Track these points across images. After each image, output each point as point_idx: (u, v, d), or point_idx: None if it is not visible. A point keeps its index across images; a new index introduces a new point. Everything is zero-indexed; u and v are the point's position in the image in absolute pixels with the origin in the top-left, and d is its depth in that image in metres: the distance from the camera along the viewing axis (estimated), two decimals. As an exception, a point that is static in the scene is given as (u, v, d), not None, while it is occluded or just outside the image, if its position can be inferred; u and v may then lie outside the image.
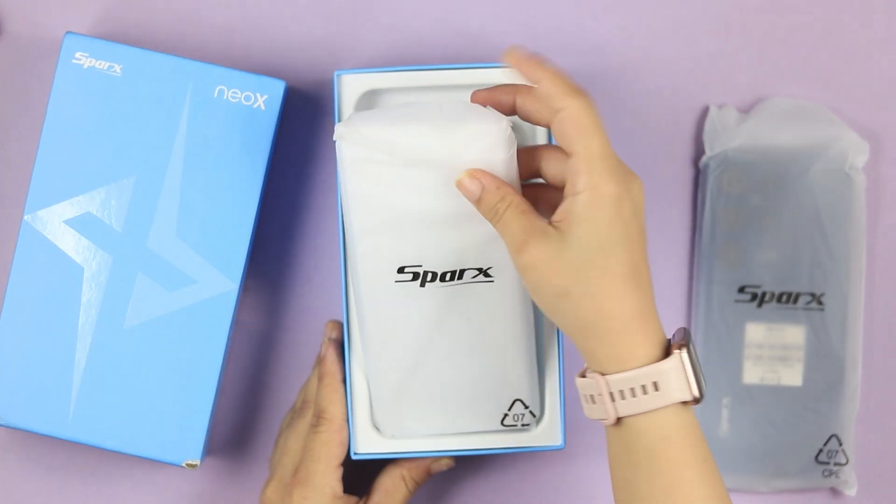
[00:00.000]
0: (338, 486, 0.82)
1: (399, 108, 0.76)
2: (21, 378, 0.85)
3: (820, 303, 0.92)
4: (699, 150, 0.94)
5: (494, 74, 0.88)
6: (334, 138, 0.75)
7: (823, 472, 0.92)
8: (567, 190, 0.71)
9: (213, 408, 0.86)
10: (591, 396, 0.72)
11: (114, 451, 0.86)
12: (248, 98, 0.87)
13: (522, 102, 0.74)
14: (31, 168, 0.87)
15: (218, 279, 0.86)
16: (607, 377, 0.71)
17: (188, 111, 0.86)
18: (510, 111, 0.76)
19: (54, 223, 0.86)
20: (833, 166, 0.92)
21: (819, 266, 0.92)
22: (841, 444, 0.92)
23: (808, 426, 0.92)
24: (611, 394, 0.71)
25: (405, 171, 0.74)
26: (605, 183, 0.70)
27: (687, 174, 0.94)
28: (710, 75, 0.94)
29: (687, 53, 0.94)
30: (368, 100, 0.89)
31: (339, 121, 0.87)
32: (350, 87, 0.87)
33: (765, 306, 0.92)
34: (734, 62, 0.94)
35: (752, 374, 0.92)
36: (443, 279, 0.76)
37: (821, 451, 0.92)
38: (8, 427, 0.85)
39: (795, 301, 0.92)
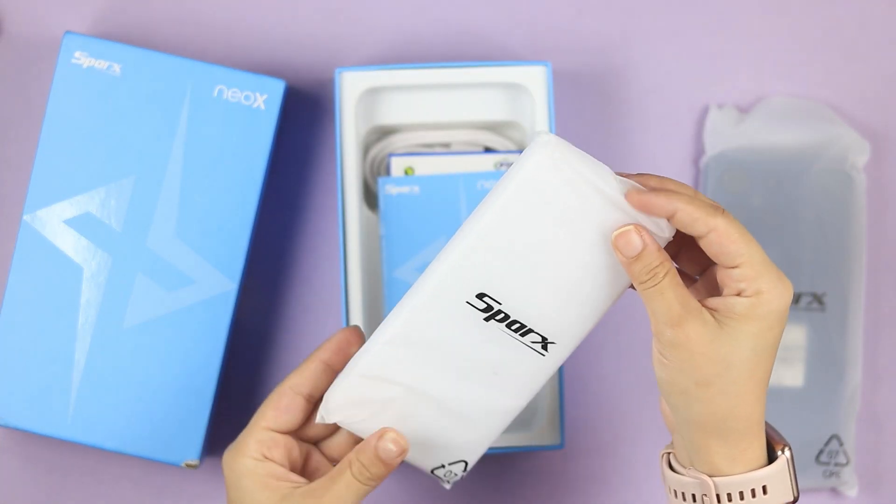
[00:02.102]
0: (255, 450, 0.75)
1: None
2: (20, 378, 0.85)
3: (821, 303, 0.92)
4: (699, 150, 0.94)
5: (495, 73, 0.89)
6: (538, 141, 0.69)
7: (824, 472, 0.92)
8: (728, 290, 0.69)
9: (212, 408, 0.86)
10: (692, 496, 0.70)
11: (113, 452, 0.86)
12: (247, 98, 0.87)
13: (681, 216, 0.70)
14: (30, 167, 0.87)
15: (217, 279, 0.86)
16: (716, 479, 0.69)
17: (188, 111, 0.86)
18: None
19: (53, 223, 0.86)
20: (833, 166, 0.92)
21: (820, 266, 0.92)
22: (841, 445, 0.92)
23: (809, 426, 0.92)
24: (717, 496, 0.69)
25: (572, 206, 0.70)
26: (771, 292, 0.68)
27: (687, 174, 0.94)
28: (710, 75, 0.94)
29: (687, 53, 0.94)
30: (369, 98, 0.89)
31: (340, 118, 0.87)
32: (351, 84, 0.88)
33: (765, 306, 0.92)
34: (734, 62, 0.94)
35: (753, 374, 0.92)
36: (509, 326, 0.72)
37: (821, 451, 0.92)
38: (7, 427, 0.85)
39: (797, 301, 0.92)
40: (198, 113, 0.86)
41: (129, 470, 0.91)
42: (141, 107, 0.86)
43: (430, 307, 0.72)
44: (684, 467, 0.71)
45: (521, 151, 0.90)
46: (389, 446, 0.73)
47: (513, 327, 0.72)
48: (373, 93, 0.89)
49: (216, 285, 0.86)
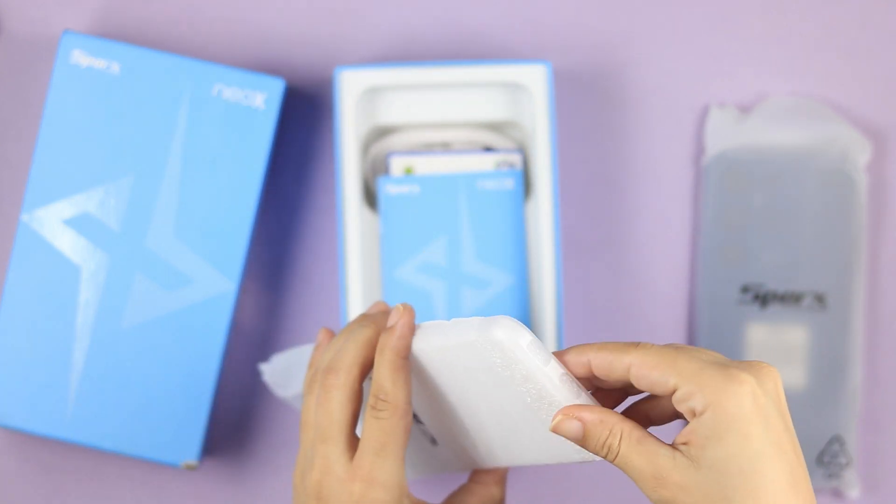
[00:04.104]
0: (405, 483, 0.71)
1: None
2: (18, 379, 0.85)
3: (822, 303, 0.92)
4: (699, 150, 0.94)
5: (495, 72, 0.88)
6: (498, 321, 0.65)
7: (825, 473, 0.92)
8: (685, 413, 0.63)
9: (211, 408, 0.86)
10: None
11: (111, 452, 0.86)
12: (246, 97, 0.86)
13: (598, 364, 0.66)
14: (28, 167, 0.87)
15: (216, 279, 0.86)
16: None
17: (186, 110, 0.86)
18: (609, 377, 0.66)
19: (52, 223, 0.85)
20: (833, 165, 0.92)
21: (821, 266, 0.92)
22: (843, 446, 0.92)
23: (810, 427, 0.92)
24: None
25: (511, 375, 0.67)
26: (722, 399, 0.61)
27: (687, 174, 0.94)
28: (711, 75, 0.94)
29: (688, 53, 0.94)
30: (369, 97, 0.89)
31: (340, 117, 0.87)
32: (350, 83, 0.87)
33: (767, 307, 0.91)
34: (735, 61, 0.94)
35: (754, 374, 0.92)
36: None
37: (823, 452, 0.92)
38: (5, 428, 0.85)
39: (798, 301, 0.91)
40: (197, 112, 0.86)
41: (127, 470, 0.91)
42: (139, 106, 0.86)
43: None
44: None
45: (521, 151, 0.90)
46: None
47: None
48: (372, 92, 0.88)
49: (215, 285, 0.86)
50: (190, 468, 0.86)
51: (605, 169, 0.93)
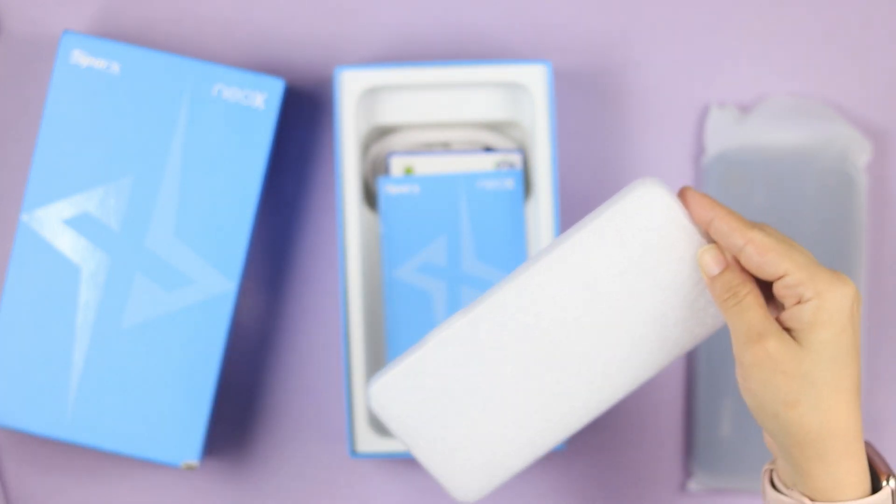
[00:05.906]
0: None
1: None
2: (18, 379, 0.85)
3: (822, 303, 0.91)
4: (699, 150, 0.94)
5: (495, 72, 0.88)
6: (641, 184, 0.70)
7: (825, 473, 0.92)
8: (788, 301, 0.67)
9: (211, 408, 0.86)
10: None
11: (112, 452, 0.86)
12: (246, 97, 0.86)
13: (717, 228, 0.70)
14: (28, 167, 0.87)
15: (216, 279, 0.86)
16: None
17: (186, 110, 0.86)
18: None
19: (52, 223, 0.85)
20: (833, 165, 0.92)
21: (821, 266, 0.92)
22: (843, 445, 0.92)
23: (810, 427, 0.92)
24: None
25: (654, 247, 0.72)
26: (831, 291, 0.66)
27: (687, 174, 0.94)
28: (711, 74, 0.94)
29: (688, 52, 0.94)
30: (369, 97, 0.89)
31: (340, 117, 0.87)
32: (350, 83, 0.87)
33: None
34: (735, 61, 0.94)
35: (754, 374, 0.92)
36: None
37: (822, 452, 0.92)
38: (5, 428, 0.85)
39: (797, 301, 0.91)
40: (197, 112, 0.86)
41: (127, 471, 0.91)
42: (139, 106, 0.86)
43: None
44: (787, 487, 0.69)
45: (521, 151, 0.90)
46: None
47: None
48: (373, 92, 0.88)
49: (215, 285, 0.86)
50: (190, 468, 0.86)
51: (605, 169, 0.93)
